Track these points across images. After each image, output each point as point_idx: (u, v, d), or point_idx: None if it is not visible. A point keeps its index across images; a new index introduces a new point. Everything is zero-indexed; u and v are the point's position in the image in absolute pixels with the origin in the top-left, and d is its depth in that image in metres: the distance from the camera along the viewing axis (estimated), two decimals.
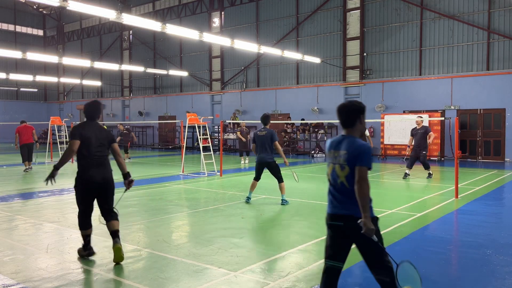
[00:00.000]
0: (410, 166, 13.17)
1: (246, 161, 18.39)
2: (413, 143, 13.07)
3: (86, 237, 5.33)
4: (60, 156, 5.18)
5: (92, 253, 5.38)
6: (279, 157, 9.06)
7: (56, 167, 5.13)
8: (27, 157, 15.49)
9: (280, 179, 8.87)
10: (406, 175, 13.18)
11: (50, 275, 4.72)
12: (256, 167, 9.01)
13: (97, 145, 5.28)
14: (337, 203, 3.58)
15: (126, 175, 5.57)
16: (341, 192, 3.58)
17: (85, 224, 5.34)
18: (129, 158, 20.04)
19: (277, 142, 8.84)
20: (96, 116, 5.47)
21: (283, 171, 9.27)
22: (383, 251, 3.52)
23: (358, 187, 3.46)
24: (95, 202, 5.42)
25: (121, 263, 5.09)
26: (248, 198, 9.05)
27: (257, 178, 9.06)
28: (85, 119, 5.46)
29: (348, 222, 3.48)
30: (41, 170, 16.02)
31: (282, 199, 8.85)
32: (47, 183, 5.17)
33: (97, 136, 5.31)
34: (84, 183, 5.24)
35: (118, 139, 20.47)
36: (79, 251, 5.40)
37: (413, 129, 13.30)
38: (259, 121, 8.73)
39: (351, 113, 3.64)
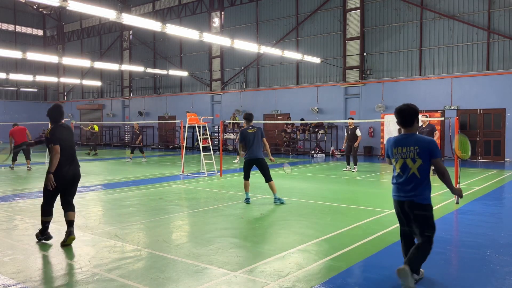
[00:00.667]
0: None
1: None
2: None
3: (46, 223, 6.02)
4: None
5: (49, 237, 6.04)
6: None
7: (50, 172, 5.80)
8: (16, 157, 16.36)
9: (269, 178, 8.82)
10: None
11: (50, 275, 4.72)
12: (246, 166, 8.99)
13: (70, 145, 6.06)
14: (404, 191, 4.31)
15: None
16: (410, 181, 4.27)
17: (48, 212, 6.03)
18: (130, 159, 19.99)
19: (264, 139, 8.99)
20: (61, 119, 6.15)
21: (276, 172, 9.26)
22: (434, 232, 4.31)
23: (442, 176, 4.25)
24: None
25: (121, 263, 5.11)
26: (248, 199, 9.02)
27: (247, 177, 9.07)
28: (53, 123, 6.06)
29: (411, 204, 4.26)
30: (41, 170, 16.01)
31: (275, 198, 8.82)
32: (51, 189, 5.82)
33: (69, 137, 6.11)
34: (59, 178, 5.87)
35: (135, 138, 20.46)
36: (37, 235, 6.08)
37: (419, 127, 13.34)
38: (259, 121, 8.83)
39: (411, 114, 4.31)
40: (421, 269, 4.48)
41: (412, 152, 4.23)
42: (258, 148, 8.83)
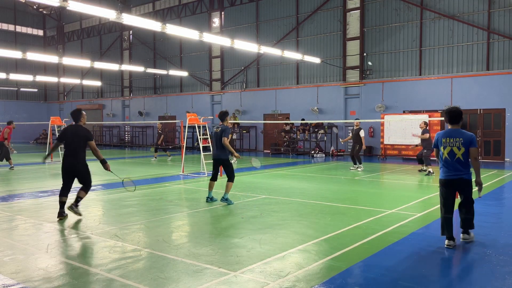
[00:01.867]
0: (422, 163, 14.77)
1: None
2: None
3: (62, 204, 7.48)
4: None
5: (64, 214, 7.43)
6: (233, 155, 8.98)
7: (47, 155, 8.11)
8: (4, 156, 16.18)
9: (230, 178, 8.83)
10: (429, 172, 14.09)
11: (50, 275, 4.73)
12: (213, 165, 9.10)
13: (71, 141, 7.42)
14: (452, 171, 5.81)
15: (101, 162, 7.70)
16: (456, 164, 5.77)
17: (62, 193, 7.54)
18: (169, 156, 20.65)
19: (225, 138, 8.70)
20: (77, 119, 7.59)
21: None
22: (473, 199, 5.93)
23: (475, 161, 5.78)
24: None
25: (121, 263, 5.12)
26: (208, 198, 9.10)
27: (214, 178, 9.13)
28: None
29: (460, 180, 5.80)
30: (40, 170, 16.03)
31: (222, 197, 8.83)
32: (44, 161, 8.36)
33: (73, 134, 7.44)
34: (62, 166, 7.56)
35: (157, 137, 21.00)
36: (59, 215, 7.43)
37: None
38: (259, 121, 8.84)
39: (457, 115, 5.85)
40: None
41: (458, 142, 5.73)
42: (218, 148, 8.86)
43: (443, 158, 5.85)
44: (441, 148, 5.84)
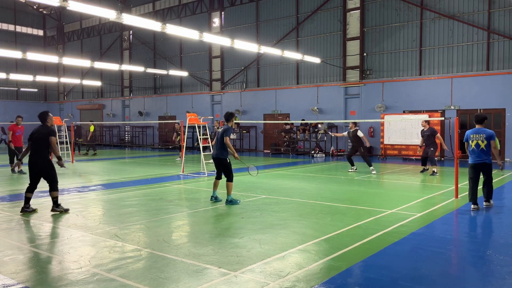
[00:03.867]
0: (425, 165, 14.76)
1: None
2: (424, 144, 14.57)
3: (27, 198, 8.01)
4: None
5: (29, 209, 7.99)
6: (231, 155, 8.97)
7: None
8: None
9: (228, 178, 8.84)
10: (424, 170, 14.70)
11: (50, 275, 4.72)
12: (215, 165, 9.14)
13: (37, 139, 7.90)
14: (478, 158, 8.21)
15: (57, 158, 8.11)
16: (481, 152, 8.20)
17: (29, 189, 8.03)
18: (179, 158, 20.30)
19: (226, 138, 8.77)
20: (43, 120, 8.09)
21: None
22: (491, 177, 8.43)
23: (495, 150, 8.19)
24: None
25: (121, 263, 5.12)
26: (213, 197, 9.17)
27: (218, 177, 9.21)
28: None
29: (483, 164, 8.23)
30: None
31: (226, 200, 8.81)
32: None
33: (38, 132, 7.96)
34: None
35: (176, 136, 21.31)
36: (22, 209, 7.97)
37: (421, 131, 14.74)
38: (259, 121, 8.93)
39: (482, 118, 8.38)
40: (491, 201, 8.55)
41: (481, 137, 8.18)
42: (219, 147, 8.88)
43: (471, 149, 8.28)
44: (470, 142, 8.27)
